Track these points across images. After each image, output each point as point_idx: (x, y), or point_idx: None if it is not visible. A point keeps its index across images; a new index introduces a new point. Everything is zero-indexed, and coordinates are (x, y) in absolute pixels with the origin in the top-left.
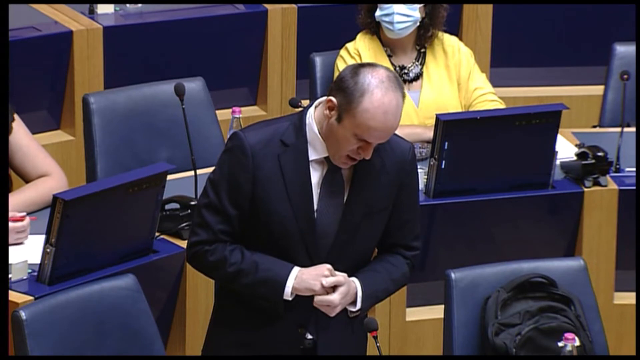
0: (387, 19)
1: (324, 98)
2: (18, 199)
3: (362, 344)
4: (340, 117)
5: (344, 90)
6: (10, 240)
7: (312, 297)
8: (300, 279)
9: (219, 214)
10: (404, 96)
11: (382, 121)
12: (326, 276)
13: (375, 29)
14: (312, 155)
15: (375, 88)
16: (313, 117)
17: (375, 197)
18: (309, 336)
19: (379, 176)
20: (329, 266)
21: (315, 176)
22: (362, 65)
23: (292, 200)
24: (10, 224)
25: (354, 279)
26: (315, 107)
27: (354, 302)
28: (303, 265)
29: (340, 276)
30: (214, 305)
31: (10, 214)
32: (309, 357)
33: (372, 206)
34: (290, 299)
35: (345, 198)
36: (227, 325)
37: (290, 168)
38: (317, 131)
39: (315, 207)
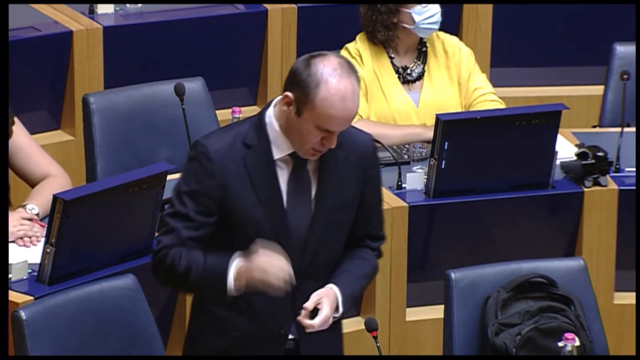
0: (432, 20)
1: (274, 102)
2: (42, 202)
3: (340, 341)
4: (299, 111)
5: (298, 84)
6: (33, 243)
7: (292, 300)
8: (238, 272)
9: (186, 221)
10: (358, 80)
11: (342, 108)
12: (261, 261)
13: (394, 41)
14: (277, 154)
15: (329, 76)
16: (273, 116)
17: (342, 191)
18: (291, 336)
19: (344, 170)
20: (264, 251)
21: (282, 174)
22: (313, 56)
23: (262, 202)
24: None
25: (331, 285)
26: (274, 105)
27: (336, 308)
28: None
29: (315, 295)
30: (190, 316)
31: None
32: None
33: (340, 200)
34: (235, 294)
35: (313, 194)
36: (207, 331)
37: (256, 170)
38: (278, 129)
39: (285, 206)
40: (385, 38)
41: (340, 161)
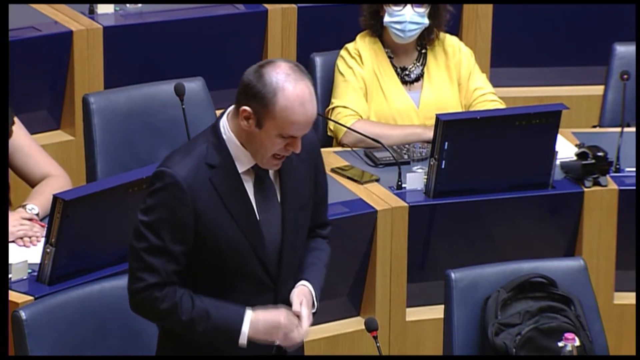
0: (398, 26)
1: (232, 108)
2: (42, 202)
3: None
4: (259, 123)
5: (254, 96)
6: (33, 243)
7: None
8: (256, 329)
9: (165, 255)
10: (311, 80)
11: (303, 112)
12: (282, 324)
13: (379, 32)
14: (241, 169)
15: (285, 83)
16: (230, 131)
17: (302, 190)
18: (277, 342)
19: (299, 169)
20: (283, 311)
21: (249, 187)
22: (262, 66)
23: (236, 218)
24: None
25: (304, 282)
26: (228, 119)
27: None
28: (256, 275)
29: (296, 297)
30: (160, 341)
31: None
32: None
33: (301, 199)
34: (244, 344)
35: (279, 199)
36: (192, 339)
37: (225, 188)
38: (239, 144)
39: (258, 217)
40: (366, 24)
41: (294, 161)
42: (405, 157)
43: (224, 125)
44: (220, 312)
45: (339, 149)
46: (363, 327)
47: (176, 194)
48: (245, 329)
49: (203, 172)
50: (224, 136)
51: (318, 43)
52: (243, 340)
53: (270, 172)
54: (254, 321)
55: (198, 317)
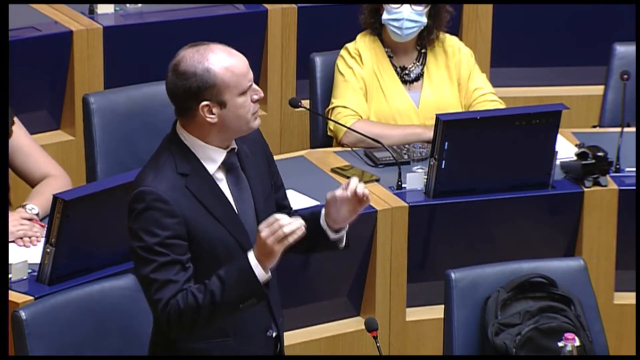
0: (396, 24)
1: (178, 119)
2: (42, 202)
3: None
4: (221, 102)
5: (197, 89)
6: (33, 243)
7: (269, 301)
8: (260, 257)
9: (175, 266)
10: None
11: (237, 60)
12: (265, 232)
13: (378, 30)
14: (212, 169)
15: (202, 57)
16: (191, 136)
17: (264, 180)
18: (274, 334)
19: (255, 161)
20: (260, 226)
21: (223, 186)
22: (175, 69)
23: (221, 220)
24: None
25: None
26: (185, 131)
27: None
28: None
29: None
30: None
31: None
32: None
33: (265, 188)
34: (268, 276)
35: (250, 192)
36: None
37: (202, 193)
38: (203, 143)
39: (237, 213)
40: (365, 22)
41: (249, 155)
42: (405, 157)
43: (183, 135)
44: (227, 270)
45: (339, 149)
46: (363, 327)
47: (163, 209)
48: (255, 265)
49: (178, 183)
50: (186, 142)
51: (318, 43)
52: (261, 276)
53: (237, 165)
54: (256, 254)
55: (216, 288)
